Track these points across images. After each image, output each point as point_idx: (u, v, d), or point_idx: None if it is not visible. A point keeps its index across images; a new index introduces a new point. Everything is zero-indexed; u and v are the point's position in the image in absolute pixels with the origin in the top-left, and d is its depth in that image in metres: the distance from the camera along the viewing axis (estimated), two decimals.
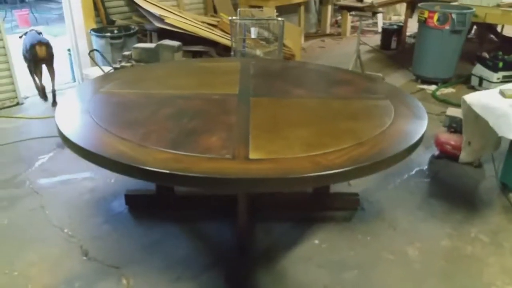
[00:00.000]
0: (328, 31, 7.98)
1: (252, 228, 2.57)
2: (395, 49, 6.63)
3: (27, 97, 4.57)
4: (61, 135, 2.06)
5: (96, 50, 4.24)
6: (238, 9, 4.68)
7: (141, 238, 2.56)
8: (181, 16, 4.88)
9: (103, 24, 4.97)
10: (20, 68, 4.55)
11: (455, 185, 3.22)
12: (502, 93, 2.63)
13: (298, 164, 1.81)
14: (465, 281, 2.31)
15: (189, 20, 4.87)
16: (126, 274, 2.27)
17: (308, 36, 7.59)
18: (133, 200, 2.84)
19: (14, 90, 4.41)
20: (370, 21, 8.95)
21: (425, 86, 5.10)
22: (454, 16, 4.69)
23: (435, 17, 4.78)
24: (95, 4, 4.87)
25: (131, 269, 2.31)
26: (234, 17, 4.33)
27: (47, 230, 2.61)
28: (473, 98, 2.68)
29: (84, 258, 2.39)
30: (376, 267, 2.39)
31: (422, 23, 4.95)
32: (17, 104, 4.42)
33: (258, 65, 3.33)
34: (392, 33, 6.64)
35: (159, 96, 2.58)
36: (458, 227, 2.72)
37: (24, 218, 2.71)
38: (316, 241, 2.56)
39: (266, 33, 4.81)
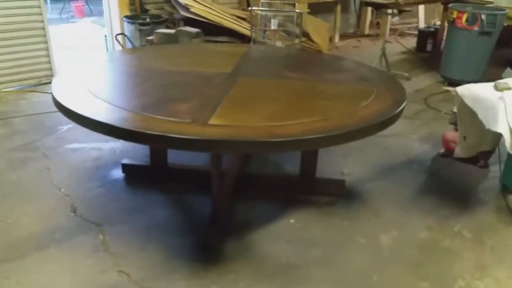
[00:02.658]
0: (366, 32, 7.90)
1: (229, 202, 2.66)
2: (430, 51, 6.46)
3: None
4: (53, 97, 2.28)
5: (123, 34, 4.52)
6: (261, 1, 4.78)
7: (127, 202, 2.73)
8: (208, 7, 5.06)
9: (137, 12, 5.26)
10: (57, 51, 4.92)
11: (454, 183, 3.13)
12: (495, 86, 2.55)
13: (252, 131, 1.90)
14: (432, 271, 2.27)
15: (215, 11, 5.03)
16: (104, 231, 2.44)
17: (345, 36, 7.55)
18: (129, 169, 3.02)
19: (50, 69, 4.79)
20: (414, 24, 8.78)
21: (450, 88, 4.94)
22: (483, 17, 4.53)
23: (464, 17, 4.64)
24: None
25: (110, 227, 2.48)
26: (254, 8, 4.44)
27: (47, 188, 2.84)
28: (465, 90, 2.62)
29: (72, 214, 2.59)
30: (344, 249, 2.40)
31: (451, 23, 4.82)
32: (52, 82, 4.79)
33: (264, 51, 3.43)
34: (428, 36, 6.48)
35: (158, 70, 2.75)
36: (442, 222, 2.66)
37: (30, 177, 2.97)
38: (292, 221, 2.61)
39: (290, 26, 4.88)
